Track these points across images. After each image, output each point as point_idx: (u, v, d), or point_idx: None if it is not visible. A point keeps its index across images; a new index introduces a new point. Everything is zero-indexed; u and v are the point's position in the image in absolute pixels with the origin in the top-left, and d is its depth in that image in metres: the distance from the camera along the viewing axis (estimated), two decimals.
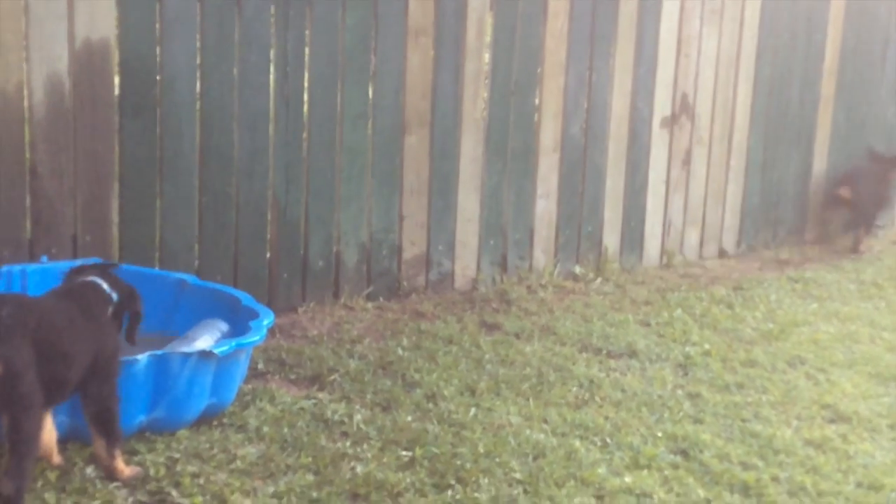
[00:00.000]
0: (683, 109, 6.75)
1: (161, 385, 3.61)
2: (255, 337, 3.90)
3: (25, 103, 4.50)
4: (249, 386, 4.14)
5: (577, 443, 3.95)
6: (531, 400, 4.35)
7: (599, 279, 6.26)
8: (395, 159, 5.54)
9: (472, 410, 4.16)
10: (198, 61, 4.90)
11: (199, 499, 3.30)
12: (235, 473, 3.48)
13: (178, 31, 4.81)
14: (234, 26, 4.96)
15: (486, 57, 5.86)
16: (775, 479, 3.85)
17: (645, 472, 3.78)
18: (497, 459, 3.75)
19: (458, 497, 3.47)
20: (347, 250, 5.42)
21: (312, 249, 5.31)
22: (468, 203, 5.84)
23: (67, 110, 4.58)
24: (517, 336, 5.17)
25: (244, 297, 4.29)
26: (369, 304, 5.40)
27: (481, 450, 3.81)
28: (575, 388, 4.53)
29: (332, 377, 4.39)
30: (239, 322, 4.10)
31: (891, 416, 4.54)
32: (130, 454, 3.48)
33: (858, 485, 3.90)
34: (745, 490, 3.75)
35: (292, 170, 5.21)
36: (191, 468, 3.46)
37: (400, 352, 4.75)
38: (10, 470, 3.01)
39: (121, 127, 4.73)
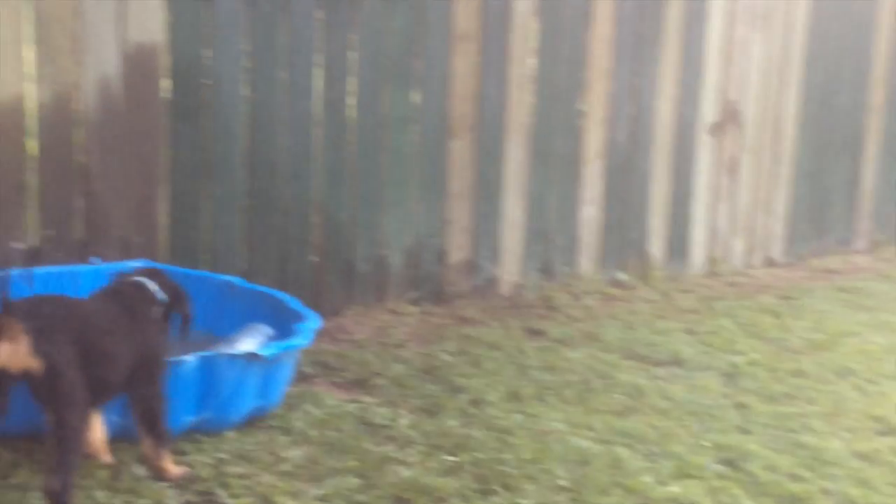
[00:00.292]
0: (730, 116, 6.68)
1: (209, 386, 3.64)
2: (301, 340, 3.91)
3: (77, 106, 4.55)
4: (295, 389, 4.15)
5: (623, 450, 3.92)
6: (576, 407, 4.32)
7: (644, 286, 6.21)
8: (440, 164, 5.55)
9: (517, 416, 4.15)
10: (245, 65, 4.93)
11: (247, 500, 3.32)
12: (281, 475, 3.49)
13: (227, 34, 4.85)
14: (282, 30, 4.99)
15: (531, 62, 5.85)
16: (825, 491, 3.79)
17: (691, 481, 3.74)
18: (542, 466, 3.73)
19: (503, 503, 3.45)
20: (392, 254, 5.43)
21: (358, 253, 5.33)
22: (513, 208, 5.83)
23: (118, 113, 4.63)
24: (562, 342, 5.14)
25: (290, 301, 4.31)
26: (414, 309, 5.40)
27: (526, 456, 3.79)
28: (620, 396, 4.50)
29: (377, 381, 4.40)
30: (285, 325, 4.11)
31: None
32: (179, 454, 3.51)
33: None
34: (795, 502, 3.70)
35: (338, 174, 5.23)
36: (238, 469, 3.48)
37: (444, 356, 4.75)
38: (56, 466, 3.04)
39: (170, 130, 4.77)
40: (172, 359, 3.51)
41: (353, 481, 3.50)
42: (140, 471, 3.40)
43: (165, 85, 4.77)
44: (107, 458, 3.43)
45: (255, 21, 4.91)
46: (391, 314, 5.32)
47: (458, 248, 5.66)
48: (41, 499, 3.10)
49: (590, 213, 6.14)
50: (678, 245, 6.57)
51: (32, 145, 4.58)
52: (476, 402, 4.27)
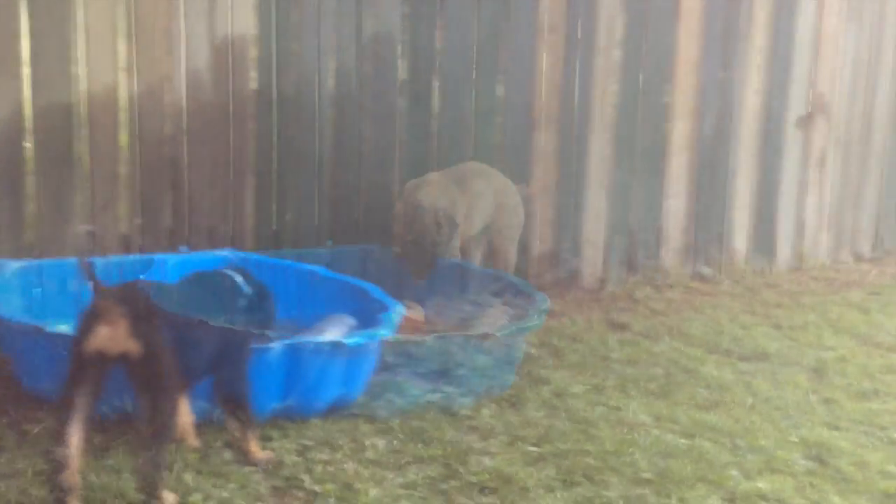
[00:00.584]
0: (819, 109, 6.56)
1: (294, 373, 3.68)
2: (385, 330, 3.94)
3: (168, 97, 4.65)
4: (379, 378, 4.18)
5: (707, 444, 3.87)
6: (659, 400, 4.29)
7: (728, 280, 6.13)
8: (524, 156, 5.54)
9: (600, 408, 4.13)
10: (332, 57, 4.98)
11: (331, 486, 3.35)
12: (365, 463, 3.52)
13: (314, 27, 4.90)
14: (368, 23, 5.03)
15: (617, 55, 5.81)
16: None
17: (779, 476, 3.68)
18: (625, 458, 3.71)
19: (587, 495, 3.44)
20: (475, 246, 5.44)
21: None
22: (596, 201, 5.79)
23: (207, 104, 4.72)
24: (645, 336, 5.10)
25: (373, 290, 4.34)
26: (497, 300, 5.39)
27: (609, 448, 3.77)
28: (704, 390, 4.44)
29: (460, 372, 4.40)
30: (368, 314, 4.14)
31: None
32: (265, 440, 3.56)
33: None
34: (885, 499, 3.61)
35: (421, 165, 5.25)
36: (322, 456, 3.52)
37: (527, 348, 4.74)
38: (149, 448, 3.10)
39: (257, 121, 4.84)
40: (259, 346, 3.55)
41: (437, 470, 3.52)
42: (227, 455, 3.46)
43: (253, 77, 4.84)
44: (194, 441, 3.49)
45: (341, 15, 4.96)
46: (474, 306, 5.32)
47: (540, 241, 5.65)
48: (133, 480, 3.17)
49: (674, 206, 6.07)
50: (764, 239, 6.47)
51: (124, 136, 4.69)
52: (559, 394, 4.26)
